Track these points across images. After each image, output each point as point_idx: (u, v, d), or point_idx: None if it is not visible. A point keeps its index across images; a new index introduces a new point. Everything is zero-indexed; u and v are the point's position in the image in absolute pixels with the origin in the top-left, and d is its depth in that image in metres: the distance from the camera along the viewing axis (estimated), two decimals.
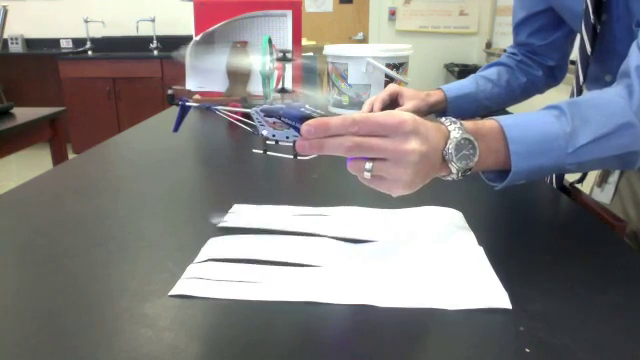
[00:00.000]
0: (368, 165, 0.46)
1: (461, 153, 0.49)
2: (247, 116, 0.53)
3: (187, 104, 0.56)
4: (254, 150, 0.54)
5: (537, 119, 0.53)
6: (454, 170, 0.49)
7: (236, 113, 0.54)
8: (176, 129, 0.57)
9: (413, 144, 0.45)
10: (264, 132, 0.51)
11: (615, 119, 0.53)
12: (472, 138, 0.49)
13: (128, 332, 0.41)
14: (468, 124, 0.50)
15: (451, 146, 0.48)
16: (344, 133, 0.45)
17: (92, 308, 0.44)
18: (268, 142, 0.52)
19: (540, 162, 0.52)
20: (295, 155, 0.50)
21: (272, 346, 0.39)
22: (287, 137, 0.50)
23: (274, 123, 0.50)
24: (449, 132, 0.49)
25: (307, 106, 0.49)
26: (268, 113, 0.50)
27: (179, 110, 0.56)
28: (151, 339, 0.40)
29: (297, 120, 0.48)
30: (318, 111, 0.49)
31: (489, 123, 0.52)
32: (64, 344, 0.39)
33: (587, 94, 0.57)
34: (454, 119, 0.50)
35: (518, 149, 0.51)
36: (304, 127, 0.45)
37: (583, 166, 0.54)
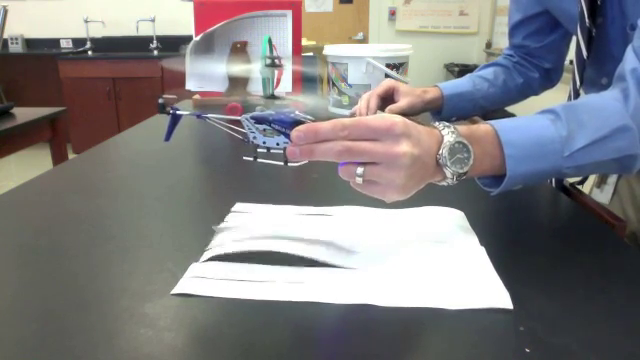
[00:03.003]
0: (359, 170, 0.45)
1: (455, 157, 0.48)
2: (237, 123, 0.53)
3: (178, 113, 0.56)
4: (244, 157, 0.54)
5: (532, 123, 0.53)
6: (449, 174, 0.49)
7: (226, 121, 0.54)
8: (167, 138, 0.57)
9: (404, 147, 0.44)
10: (254, 139, 0.51)
11: (611, 122, 0.52)
12: (466, 142, 0.49)
13: (128, 332, 0.41)
14: (462, 128, 0.50)
15: (445, 150, 0.48)
16: (334, 138, 0.45)
17: (92, 308, 0.44)
18: (259, 149, 0.52)
19: (536, 166, 0.52)
20: (286, 162, 0.50)
21: (272, 346, 0.39)
22: (277, 144, 0.50)
23: (264, 130, 0.50)
24: (442, 136, 0.49)
25: (297, 112, 0.49)
26: (258, 120, 0.50)
27: (170, 119, 0.56)
28: (151, 339, 0.40)
29: (287, 126, 0.48)
30: (308, 117, 0.49)
31: (483, 127, 0.52)
32: (64, 344, 0.39)
33: (583, 98, 0.57)
34: (447, 123, 0.50)
35: (513, 153, 0.51)
36: (294, 133, 0.45)
37: (581, 170, 0.53)
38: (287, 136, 0.48)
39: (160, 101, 0.56)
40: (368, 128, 0.45)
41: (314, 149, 0.45)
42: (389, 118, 0.45)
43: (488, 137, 0.51)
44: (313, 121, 0.47)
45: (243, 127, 0.52)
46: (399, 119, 0.45)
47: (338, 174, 0.47)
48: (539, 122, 0.53)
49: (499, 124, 0.52)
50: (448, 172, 0.48)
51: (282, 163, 0.51)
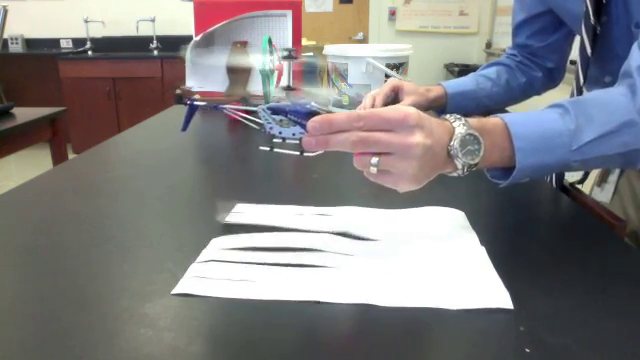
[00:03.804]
0: (374, 160, 0.46)
1: (466, 149, 0.49)
2: (254, 114, 0.53)
3: (195, 103, 0.56)
4: (261, 147, 0.55)
5: (541, 116, 0.54)
6: (459, 165, 0.49)
7: (243, 111, 0.55)
8: (184, 128, 0.58)
9: (418, 137, 0.45)
10: (271, 129, 0.52)
11: (618, 117, 0.53)
12: (477, 134, 0.49)
13: (128, 332, 0.41)
14: (472, 121, 0.51)
15: (456, 142, 0.49)
16: (349, 128, 0.45)
17: (92, 308, 0.44)
18: (275, 139, 0.52)
19: (544, 159, 0.52)
20: (302, 152, 0.51)
21: (272, 345, 0.39)
22: (293, 134, 0.51)
23: (281, 120, 0.51)
24: (454, 128, 0.49)
25: (313, 103, 0.50)
26: (275, 111, 0.50)
27: (187, 109, 0.57)
28: (151, 339, 0.40)
29: (303, 117, 0.49)
30: (324, 108, 0.49)
31: (493, 120, 0.53)
32: (64, 344, 0.39)
33: (590, 93, 0.58)
34: (458, 115, 0.51)
35: (522, 145, 0.51)
36: (310, 124, 0.46)
37: (587, 164, 0.54)
38: (303, 127, 0.49)
39: (178, 92, 0.57)
40: (383, 119, 0.46)
41: (330, 139, 0.46)
42: (403, 109, 0.46)
43: (498, 129, 0.52)
44: (328, 112, 0.48)
45: (259, 118, 0.52)
46: (413, 110, 0.46)
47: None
48: (548, 116, 0.54)
49: (509, 117, 0.53)
50: (459, 163, 0.49)
51: (298, 153, 0.52)
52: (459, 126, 0.49)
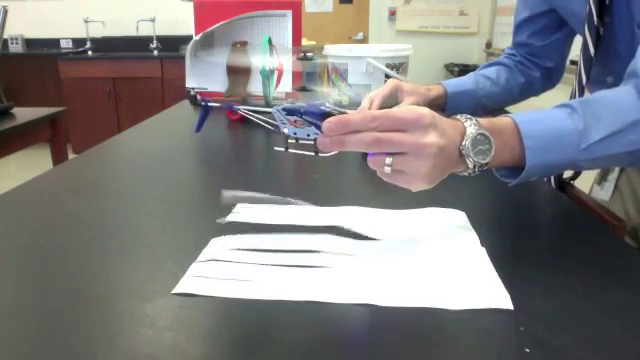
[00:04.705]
0: (388, 160, 0.47)
1: (477, 148, 0.49)
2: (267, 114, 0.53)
3: (210, 104, 0.56)
4: (276, 148, 0.55)
5: (550, 116, 0.54)
6: (471, 165, 0.50)
7: (258, 112, 0.55)
8: (198, 129, 0.58)
9: (431, 137, 0.46)
10: (285, 130, 0.52)
11: (625, 117, 0.53)
12: (488, 134, 0.50)
13: (128, 332, 0.41)
14: (483, 121, 0.51)
15: (468, 141, 0.49)
16: (364, 129, 0.46)
17: (92, 308, 0.44)
18: (289, 140, 0.52)
19: (554, 158, 0.53)
20: (316, 152, 0.51)
21: (273, 345, 0.39)
22: (308, 135, 0.51)
23: (295, 121, 0.51)
24: (465, 128, 0.50)
25: (327, 104, 0.50)
26: (289, 111, 0.51)
27: (202, 110, 0.57)
28: (151, 339, 0.40)
29: (318, 118, 0.49)
30: (338, 109, 0.50)
31: (503, 119, 0.53)
32: (64, 344, 0.39)
33: (597, 93, 0.58)
34: (469, 115, 0.51)
35: (532, 144, 0.52)
36: (325, 124, 0.46)
37: (595, 162, 0.55)
38: (318, 127, 0.49)
39: (192, 92, 0.58)
40: (397, 119, 0.46)
41: (345, 140, 0.46)
42: (417, 110, 0.47)
43: (508, 129, 0.52)
44: (343, 113, 0.48)
45: (274, 119, 0.53)
46: (426, 111, 0.47)
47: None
48: (557, 115, 0.54)
49: (518, 117, 0.53)
50: (470, 162, 0.50)
51: (313, 153, 0.52)
52: (470, 126, 0.50)
